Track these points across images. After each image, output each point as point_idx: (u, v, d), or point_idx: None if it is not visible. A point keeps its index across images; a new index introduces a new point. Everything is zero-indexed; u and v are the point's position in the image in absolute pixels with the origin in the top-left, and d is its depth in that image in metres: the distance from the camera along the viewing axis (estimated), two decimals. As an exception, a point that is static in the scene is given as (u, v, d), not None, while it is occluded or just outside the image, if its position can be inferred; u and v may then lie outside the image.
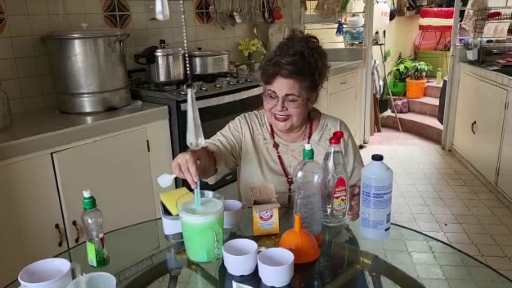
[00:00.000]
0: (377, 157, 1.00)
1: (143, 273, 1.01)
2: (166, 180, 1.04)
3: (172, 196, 1.05)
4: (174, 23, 2.68)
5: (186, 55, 1.15)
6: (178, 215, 0.98)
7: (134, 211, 1.89)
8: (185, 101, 2.11)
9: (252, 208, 1.05)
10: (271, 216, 1.05)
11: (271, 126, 1.34)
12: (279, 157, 1.32)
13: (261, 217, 1.04)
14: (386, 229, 1.02)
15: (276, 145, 1.33)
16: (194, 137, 0.94)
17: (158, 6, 0.79)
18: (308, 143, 1.29)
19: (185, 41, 0.98)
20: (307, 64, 1.21)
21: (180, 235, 1.01)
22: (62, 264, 0.85)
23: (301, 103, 1.23)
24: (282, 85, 1.21)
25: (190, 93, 0.92)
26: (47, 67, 2.08)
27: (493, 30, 3.64)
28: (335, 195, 1.07)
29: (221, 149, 1.27)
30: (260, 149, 1.33)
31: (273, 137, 1.34)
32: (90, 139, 1.79)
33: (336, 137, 1.07)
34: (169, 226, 1.04)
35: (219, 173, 1.25)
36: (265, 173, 1.31)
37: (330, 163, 1.06)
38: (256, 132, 1.35)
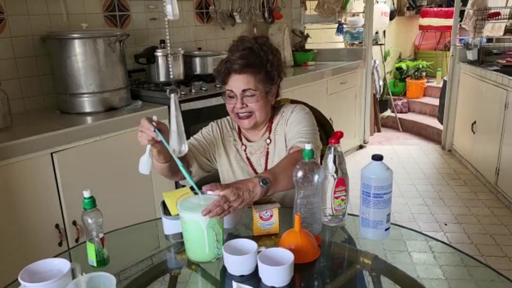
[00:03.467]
0: (377, 157, 1.00)
1: (143, 273, 1.01)
2: (143, 162, 1.03)
3: (174, 195, 1.05)
4: (174, 23, 2.68)
5: (170, 56, 1.15)
6: (178, 215, 0.98)
7: (134, 211, 1.89)
8: (185, 101, 2.12)
9: (252, 208, 1.05)
10: (271, 216, 1.05)
11: (239, 128, 1.35)
12: (248, 158, 1.32)
13: (261, 217, 1.04)
14: (386, 229, 1.02)
15: (244, 146, 1.33)
16: (177, 144, 0.94)
17: (168, 6, 0.80)
18: (269, 136, 1.31)
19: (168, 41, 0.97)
20: (257, 57, 1.23)
21: (180, 235, 1.01)
22: (62, 264, 0.85)
23: (260, 96, 1.24)
24: (237, 82, 1.23)
25: (173, 98, 0.90)
26: (47, 67, 2.08)
27: (490, 27, 3.65)
28: (335, 195, 1.06)
29: (192, 150, 1.28)
30: (231, 152, 1.34)
31: (240, 139, 1.35)
32: (90, 139, 1.79)
33: (336, 137, 1.06)
34: (169, 226, 1.04)
35: (194, 175, 1.28)
36: (236, 174, 1.31)
37: (330, 163, 1.06)
38: (226, 135, 1.36)
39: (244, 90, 1.22)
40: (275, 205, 1.05)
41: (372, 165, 1.00)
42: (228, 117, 1.40)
